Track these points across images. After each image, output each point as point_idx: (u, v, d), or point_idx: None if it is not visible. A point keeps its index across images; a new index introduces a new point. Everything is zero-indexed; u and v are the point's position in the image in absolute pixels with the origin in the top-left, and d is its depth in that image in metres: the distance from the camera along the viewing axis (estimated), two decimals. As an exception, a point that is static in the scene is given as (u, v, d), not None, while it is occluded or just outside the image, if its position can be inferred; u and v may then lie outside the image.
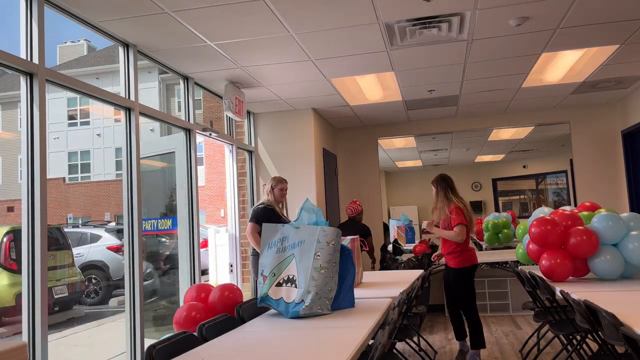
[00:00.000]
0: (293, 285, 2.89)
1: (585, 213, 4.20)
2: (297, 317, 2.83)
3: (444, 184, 4.58)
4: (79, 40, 29.60)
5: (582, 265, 3.83)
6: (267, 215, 4.57)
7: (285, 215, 4.85)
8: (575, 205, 5.99)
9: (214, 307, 3.37)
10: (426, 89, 5.79)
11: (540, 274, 3.94)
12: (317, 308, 2.82)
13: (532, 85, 5.85)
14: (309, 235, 2.94)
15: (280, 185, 4.75)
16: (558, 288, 3.49)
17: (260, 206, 4.73)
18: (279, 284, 2.95)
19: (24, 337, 2.85)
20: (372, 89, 5.78)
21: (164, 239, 5.14)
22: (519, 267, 4.78)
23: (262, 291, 2.99)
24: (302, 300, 2.81)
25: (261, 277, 3.04)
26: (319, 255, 2.86)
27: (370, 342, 2.45)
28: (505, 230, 7.25)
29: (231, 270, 5.92)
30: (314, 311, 2.82)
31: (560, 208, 4.48)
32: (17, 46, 3.06)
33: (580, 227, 3.80)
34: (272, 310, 3.11)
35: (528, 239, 4.32)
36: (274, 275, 2.98)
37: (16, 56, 2.93)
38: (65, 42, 29.66)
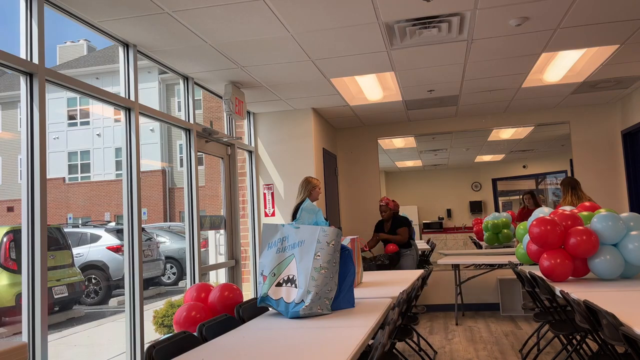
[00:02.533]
0: (293, 286, 2.89)
1: (585, 213, 4.20)
2: (297, 317, 2.83)
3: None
4: (79, 40, 29.60)
5: (582, 265, 3.82)
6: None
7: None
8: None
9: (214, 307, 3.37)
10: (426, 89, 5.79)
11: (540, 274, 3.94)
12: (317, 308, 2.82)
13: (532, 85, 5.85)
14: (309, 235, 2.94)
15: (319, 186, 5.08)
16: (558, 288, 3.49)
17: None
18: (279, 284, 2.94)
19: (24, 337, 2.85)
20: (372, 89, 5.78)
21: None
22: (519, 267, 4.78)
23: (262, 291, 2.99)
24: (302, 300, 2.81)
25: (261, 277, 3.04)
26: (319, 256, 2.86)
27: (370, 342, 2.45)
28: (505, 231, 7.26)
29: (231, 270, 5.91)
30: (314, 311, 2.82)
31: (560, 208, 4.48)
32: (17, 46, 3.06)
33: (580, 227, 3.80)
34: (272, 310, 3.11)
35: (528, 239, 4.31)
36: (274, 275, 2.98)
37: (16, 56, 2.93)
38: (65, 42, 29.66)
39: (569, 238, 3.77)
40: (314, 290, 2.81)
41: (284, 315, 2.90)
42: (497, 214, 7.43)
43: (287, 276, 2.93)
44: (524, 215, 6.49)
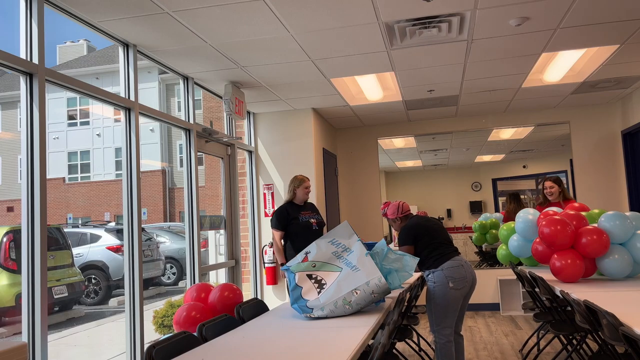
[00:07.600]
0: (318, 289, 2.85)
1: (584, 213, 4.19)
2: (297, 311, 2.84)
3: None
4: (78, 40, 29.57)
5: (591, 265, 3.79)
6: (281, 217, 4.54)
7: (309, 212, 4.66)
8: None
9: (214, 307, 3.37)
10: (426, 89, 5.79)
11: (540, 275, 3.93)
12: (317, 316, 2.82)
13: (532, 85, 5.85)
14: (367, 272, 2.83)
15: (303, 184, 4.61)
16: (558, 288, 3.49)
17: (277, 209, 4.64)
18: (310, 276, 2.89)
19: (24, 337, 2.85)
20: (372, 89, 5.78)
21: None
22: (519, 267, 4.78)
23: (292, 263, 2.93)
24: (312, 308, 2.80)
25: (303, 255, 2.97)
26: (357, 292, 2.79)
27: (370, 342, 2.45)
28: (494, 231, 7.29)
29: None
30: (314, 317, 2.82)
31: (549, 209, 4.46)
32: (17, 46, 3.07)
33: (591, 227, 3.76)
34: (272, 311, 3.11)
35: (533, 240, 4.30)
36: (314, 266, 2.91)
37: (16, 56, 2.93)
38: (65, 42, 29.63)
39: (580, 238, 3.72)
40: (327, 312, 2.79)
41: (289, 296, 2.88)
42: (488, 214, 7.50)
43: (321, 277, 2.87)
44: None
